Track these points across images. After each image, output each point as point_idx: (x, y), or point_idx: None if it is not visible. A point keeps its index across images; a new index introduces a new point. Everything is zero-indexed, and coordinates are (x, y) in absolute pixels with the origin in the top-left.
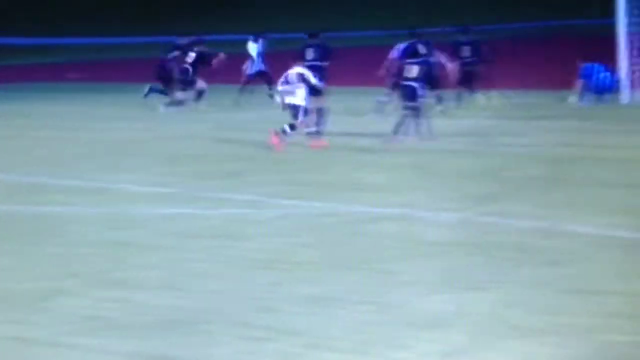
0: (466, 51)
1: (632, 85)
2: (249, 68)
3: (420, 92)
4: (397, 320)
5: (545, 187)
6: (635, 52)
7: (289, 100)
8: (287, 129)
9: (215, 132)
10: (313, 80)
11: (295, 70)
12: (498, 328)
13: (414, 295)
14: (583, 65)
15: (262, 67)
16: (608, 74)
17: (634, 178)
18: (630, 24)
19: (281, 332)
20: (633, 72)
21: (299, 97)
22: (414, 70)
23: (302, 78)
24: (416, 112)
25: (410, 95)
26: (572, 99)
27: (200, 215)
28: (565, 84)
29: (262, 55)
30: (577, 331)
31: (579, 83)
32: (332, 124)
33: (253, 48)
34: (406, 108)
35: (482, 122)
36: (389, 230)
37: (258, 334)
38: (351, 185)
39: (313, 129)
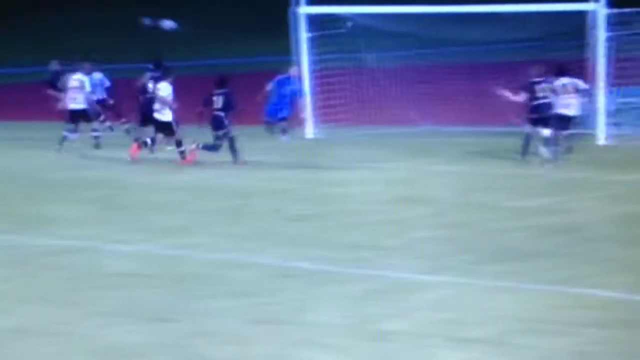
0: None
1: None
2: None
3: (226, 121)
4: (86, 351)
5: (229, 219)
6: (318, 89)
7: (158, 117)
8: (149, 141)
9: None
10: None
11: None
12: (184, 358)
13: (101, 326)
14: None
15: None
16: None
17: (305, 210)
18: (311, 62)
19: None
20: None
21: (167, 114)
22: (220, 101)
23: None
24: (227, 139)
25: (218, 124)
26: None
27: None
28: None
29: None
30: None
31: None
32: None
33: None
34: (217, 137)
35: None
36: (73, 263)
37: None
38: (39, 218)
39: (193, 146)
